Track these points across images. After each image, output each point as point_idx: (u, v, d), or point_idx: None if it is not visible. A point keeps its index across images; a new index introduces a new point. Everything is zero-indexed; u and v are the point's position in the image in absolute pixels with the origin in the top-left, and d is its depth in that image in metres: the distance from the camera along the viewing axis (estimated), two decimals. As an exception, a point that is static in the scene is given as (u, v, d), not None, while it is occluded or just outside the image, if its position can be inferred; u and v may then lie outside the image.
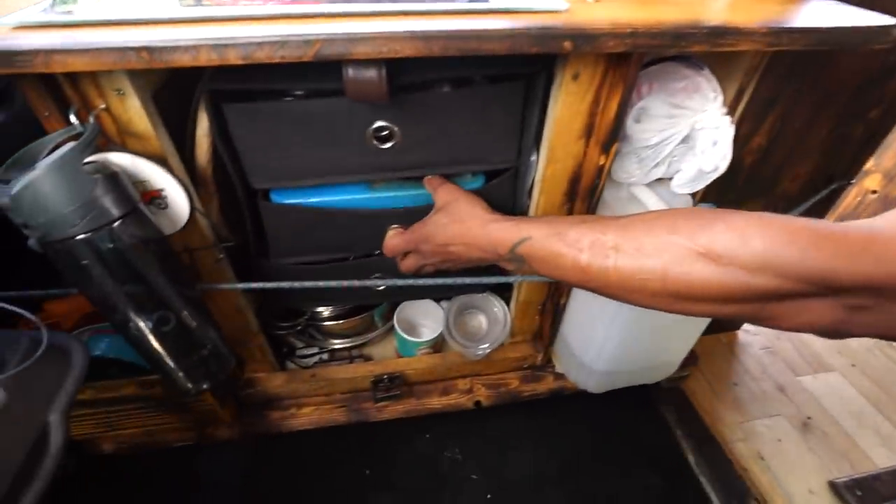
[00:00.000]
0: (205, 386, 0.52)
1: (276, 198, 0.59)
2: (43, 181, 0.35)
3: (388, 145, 0.54)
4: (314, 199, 0.59)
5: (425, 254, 0.55)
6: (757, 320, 0.37)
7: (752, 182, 0.74)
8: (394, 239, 0.58)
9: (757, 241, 0.33)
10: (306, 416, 0.81)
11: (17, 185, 0.35)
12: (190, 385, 0.51)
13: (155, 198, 0.45)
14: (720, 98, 0.55)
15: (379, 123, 0.52)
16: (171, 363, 0.48)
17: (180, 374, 0.50)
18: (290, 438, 0.82)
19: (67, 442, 0.41)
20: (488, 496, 0.80)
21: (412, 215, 0.58)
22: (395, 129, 0.52)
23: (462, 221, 0.51)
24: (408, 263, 0.59)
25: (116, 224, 0.39)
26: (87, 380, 0.45)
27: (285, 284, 0.56)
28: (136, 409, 0.71)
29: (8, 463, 0.37)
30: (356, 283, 0.57)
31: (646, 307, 0.40)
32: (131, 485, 0.79)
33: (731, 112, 0.57)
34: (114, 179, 0.39)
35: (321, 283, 0.56)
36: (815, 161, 0.73)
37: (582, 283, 0.42)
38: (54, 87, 0.41)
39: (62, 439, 0.40)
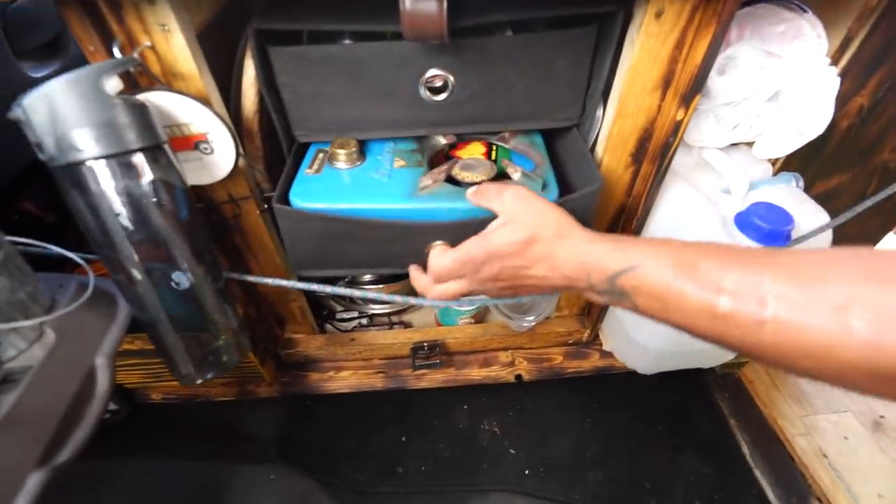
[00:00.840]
0: (209, 375, 0.48)
1: (298, 201, 0.48)
2: (56, 92, 0.33)
3: (441, 97, 0.50)
4: (343, 205, 0.47)
5: (482, 279, 0.42)
6: None
7: (844, 151, 0.65)
8: (443, 259, 0.43)
9: None
10: (344, 380, 0.81)
11: (30, 95, 0.33)
12: (193, 370, 0.47)
13: (200, 142, 0.44)
14: (825, 46, 0.48)
15: (433, 71, 0.48)
16: (176, 347, 0.45)
17: (184, 357, 0.47)
18: (327, 400, 0.82)
19: (113, 386, 0.40)
20: (526, 472, 0.77)
21: (463, 228, 0.46)
22: (451, 78, 0.48)
23: (545, 239, 0.38)
24: (451, 290, 0.44)
25: (133, 156, 0.36)
26: (134, 331, 0.44)
27: (317, 287, 0.52)
28: (181, 361, 0.72)
29: (56, 404, 0.37)
30: (398, 298, 0.52)
31: (814, 379, 0.29)
32: (176, 432, 0.81)
33: (833, 65, 0.50)
34: (139, 109, 0.37)
35: (356, 293, 0.53)
36: (925, 129, 0.64)
37: (715, 335, 0.31)
38: (100, 22, 0.39)
39: (108, 383, 0.40)
